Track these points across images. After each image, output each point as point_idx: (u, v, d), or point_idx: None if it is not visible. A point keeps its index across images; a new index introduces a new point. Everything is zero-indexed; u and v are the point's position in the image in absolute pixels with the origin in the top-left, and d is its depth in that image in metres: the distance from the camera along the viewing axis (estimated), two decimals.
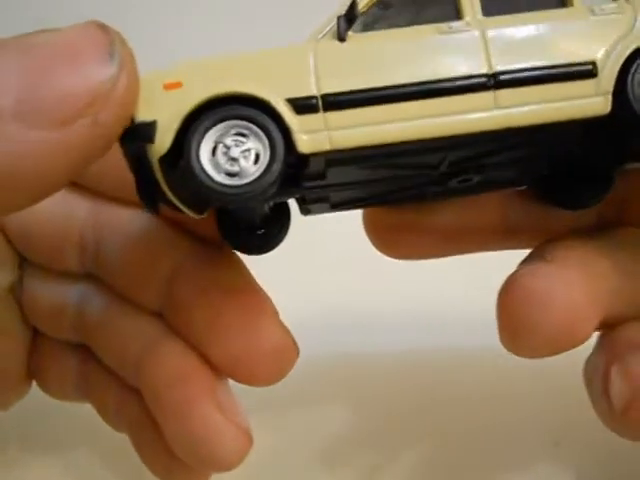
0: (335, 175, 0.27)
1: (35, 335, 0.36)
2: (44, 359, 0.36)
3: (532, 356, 0.31)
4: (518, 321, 0.29)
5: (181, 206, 0.27)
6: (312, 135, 0.25)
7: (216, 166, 0.24)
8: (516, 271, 0.31)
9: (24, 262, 0.34)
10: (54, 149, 0.22)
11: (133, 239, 0.33)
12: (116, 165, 0.26)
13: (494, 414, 0.40)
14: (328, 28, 0.26)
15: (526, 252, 0.33)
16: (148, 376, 0.31)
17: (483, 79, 0.26)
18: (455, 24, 0.26)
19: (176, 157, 0.25)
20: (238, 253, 0.32)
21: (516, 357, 0.40)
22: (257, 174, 0.24)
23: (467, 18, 0.27)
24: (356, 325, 0.44)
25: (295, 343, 0.32)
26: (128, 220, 0.33)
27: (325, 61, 0.26)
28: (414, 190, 0.31)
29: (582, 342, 0.30)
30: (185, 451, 0.31)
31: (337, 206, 0.32)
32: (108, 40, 0.23)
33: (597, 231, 0.32)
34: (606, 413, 0.31)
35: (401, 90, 0.25)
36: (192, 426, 0.31)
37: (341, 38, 0.26)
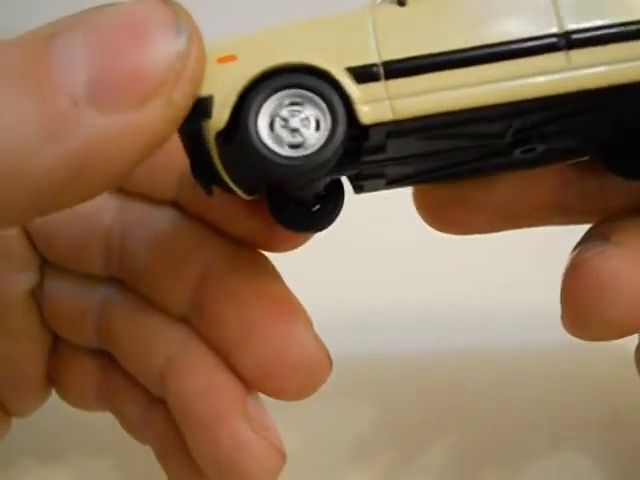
0: (395, 148, 0.26)
1: (55, 340, 0.34)
2: (64, 366, 0.34)
3: (597, 339, 0.30)
4: (587, 304, 0.28)
5: (233, 186, 0.26)
6: (374, 105, 0.24)
7: (277, 140, 0.23)
8: (580, 252, 0.30)
9: (45, 264, 0.33)
10: (130, 132, 0.21)
11: (161, 240, 0.31)
12: (147, 161, 0.25)
13: (494, 414, 0.40)
14: None
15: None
16: (174, 386, 0.30)
17: (554, 39, 0.24)
18: None
19: (232, 133, 0.24)
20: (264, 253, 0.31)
21: (516, 357, 0.40)
22: (322, 141, 0.23)
23: None
24: (371, 324, 0.44)
25: (329, 357, 0.31)
26: (157, 220, 0.31)
27: (385, 27, 0.25)
28: (473, 163, 0.30)
29: None
30: (212, 467, 0.30)
31: (393, 182, 0.31)
32: (173, 14, 0.22)
33: None
34: None
35: (466, 54, 0.24)
36: (220, 441, 0.29)
37: (401, 2, 0.25)
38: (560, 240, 0.31)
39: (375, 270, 0.45)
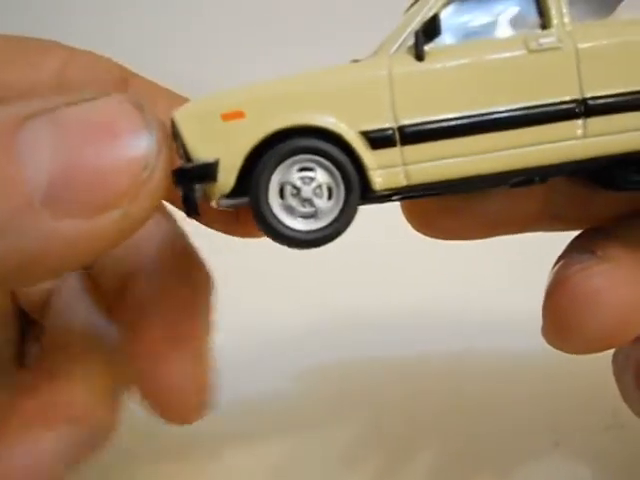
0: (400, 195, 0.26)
1: (27, 322, 0.34)
2: (36, 346, 0.34)
3: (577, 353, 0.30)
4: (568, 320, 0.29)
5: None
6: (387, 171, 0.23)
7: (289, 210, 0.22)
8: (565, 266, 0.30)
9: None
10: (82, 239, 0.21)
11: None
12: None
13: (494, 414, 0.40)
14: (401, 40, 0.24)
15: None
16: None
17: (573, 105, 0.24)
18: (545, 40, 0.24)
19: (237, 191, 0.23)
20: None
21: (516, 357, 0.40)
22: (335, 213, 0.23)
23: (555, 26, 0.24)
24: (366, 329, 0.44)
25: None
26: None
27: (402, 85, 0.23)
28: (469, 188, 0.29)
29: (632, 339, 0.29)
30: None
31: (393, 201, 0.30)
32: (143, 124, 0.21)
33: (638, 220, 0.31)
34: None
35: (486, 119, 0.23)
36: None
37: (419, 56, 0.23)
38: (556, 245, 0.31)
39: (368, 275, 0.45)
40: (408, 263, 0.37)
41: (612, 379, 0.33)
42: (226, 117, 0.23)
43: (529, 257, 0.41)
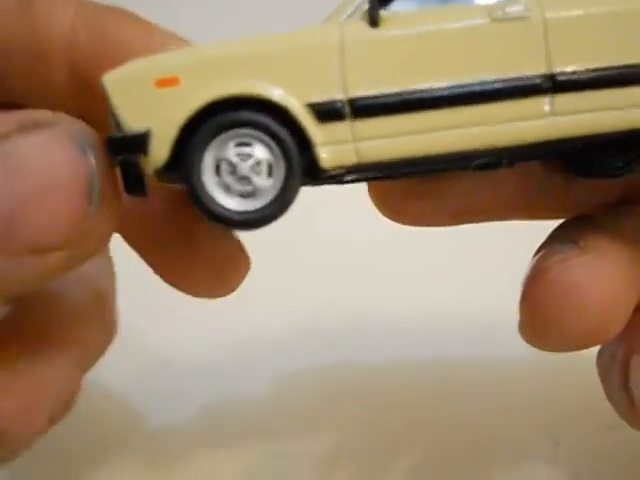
0: (352, 175, 0.24)
1: None
2: None
3: (555, 351, 0.29)
4: (547, 315, 0.27)
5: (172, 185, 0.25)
6: (336, 147, 0.21)
7: (226, 189, 0.21)
8: (544, 257, 0.28)
9: None
10: (28, 273, 0.22)
11: None
12: None
13: (494, 414, 0.40)
14: (355, 5, 0.22)
15: None
16: None
17: (539, 81, 0.22)
18: (511, 9, 0.22)
19: (173, 165, 0.22)
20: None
21: (515, 358, 0.40)
22: (275, 192, 0.21)
23: None
24: (362, 331, 0.43)
25: None
26: None
27: (354, 54, 0.21)
28: (433, 171, 0.28)
29: (614, 336, 0.28)
30: None
31: (346, 183, 0.28)
32: (88, 171, 0.22)
33: (623, 209, 0.30)
34: (625, 407, 0.29)
35: (444, 93, 0.21)
36: None
37: (374, 22, 0.21)
38: None
39: (363, 276, 0.45)
40: (404, 265, 0.37)
41: None
42: (159, 83, 0.21)
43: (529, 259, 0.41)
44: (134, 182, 0.23)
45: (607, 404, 0.37)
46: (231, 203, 0.21)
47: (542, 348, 0.28)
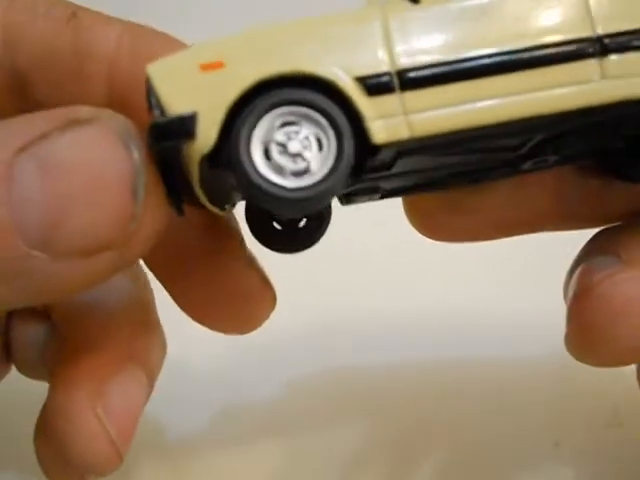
0: (403, 163, 0.23)
1: (9, 314, 0.34)
2: (17, 333, 0.34)
3: (604, 366, 0.28)
4: (598, 332, 0.26)
5: (208, 205, 0.24)
6: (387, 121, 0.21)
7: (279, 170, 0.20)
8: (588, 272, 0.28)
9: None
10: (78, 276, 0.21)
11: None
12: None
13: (494, 414, 0.40)
14: None
15: None
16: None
17: (586, 44, 0.21)
18: None
19: (220, 155, 0.21)
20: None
21: (515, 358, 0.40)
22: (329, 163, 0.20)
23: None
24: (369, 332, 0.43)
25: None
26: None
27: (397, 28, 0.21)
28: (475, 174, 0.27)
29: None
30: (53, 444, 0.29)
31: (387, 195, 0.28)
32: (132, 170, 0.21)
33: None
34: None
35: (492, 60, 0.21)
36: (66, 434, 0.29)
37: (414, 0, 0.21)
38: (562, 248, 0.30)
39: (366, 278, 0.45)
40: (405, 266, 0.37)
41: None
42: (204, 67, 0.21)
43: (531, 261, 0.41)
44: (173, 195, 0.23)
45: (607, 404, 0.38)
46: (286, 182, 0.20)
47: (592, 364, 0.28)
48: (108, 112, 0.22)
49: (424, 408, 0.40)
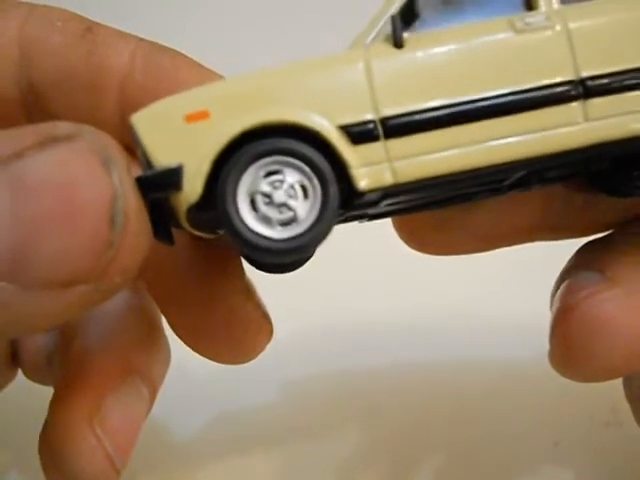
0: (389, 200, 0.24)
1: None
2: (24, 339, 0.34)
3: (586, 381, 0.29)
4: (579, 348, 0.27)
5: (197, 233, 0.24)
6: (371, 169, 0.21)
7: (266, 221, 0.20)
8: (572, 289, 0.28)
9: None
10: (50, 309, 0.20)
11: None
12: None
13: (494, 414, 0.40)
14: (377, 30, 0.22)
15: None
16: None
17: (569, 87, 0.21)
18: (532, 19, 0.22)
19: (205, 202, 0.21)
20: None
21: (515, 358, 0.40)
22: (315, 212, 0.20)
23: (542, 6, 0.22)
24: (364, 336, 0.43)
25: None
26: None
27: (381, 75, 0.21)
28: (462, 198, 0.27)
29: None
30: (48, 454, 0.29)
31: (374, 218, 0.28)
32: (111, 194, 0.19)
33: None
34: None
35: (476, 106, 0.21)
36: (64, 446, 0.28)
37: (398, 43, 0.21)
38: (559, 251, 0.30)
39: (363, 282, 0.45)
40: (402, 268, 0.37)
41: None
42: (189, 118, 0.21)
43: (529, 262, 0.41)
44: (160, 225, 0.22)
45: (607, 404, 0.38)
46: (274, 233, 0.20)
47: (573, 379, 0.28)
48: (89, 129, 0.20)
49: (422, 409, 0.40)
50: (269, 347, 0.39)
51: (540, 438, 0.39)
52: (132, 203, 0.20)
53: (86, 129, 0.20)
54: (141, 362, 0.30)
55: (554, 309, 0.28)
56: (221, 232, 0.26)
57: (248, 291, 0.29)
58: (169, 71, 0.26)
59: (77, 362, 0.30)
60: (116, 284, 0.20)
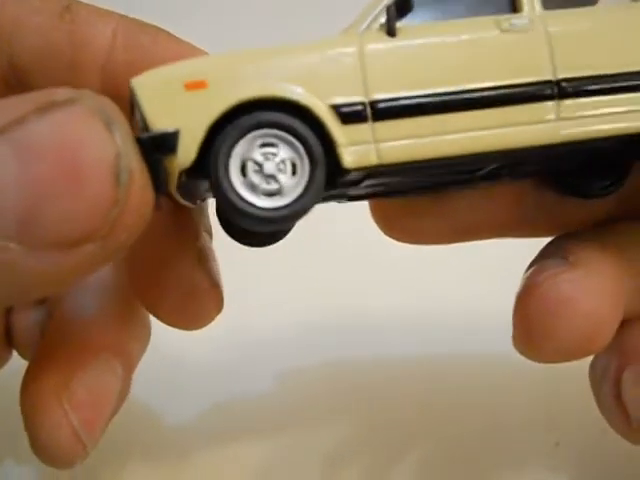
0: (371, 180, 0.25)
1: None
2: (17, 317, 0.34)
3: (546, 362, 0.30)
4: (538, 328, 0.28)
5: (181, 200, 0.25)
6: (358, 148, 0.22)
7: (252, 188, 0.21)
8: (535, 272, 0.29)
9: None
10: (59, 270, 0.20)
11: None
12: None
13: (494, 414, 0.40)
14: (371, 18, 0.23)
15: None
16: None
17: (546, 87, 0.23)
18: (517, 21, 0.24)
19: (197, 168, 0.22)
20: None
21: (516, 358, 0.40)
22: (300, 189, 0.22)
23: (526, 10, 0.24)
24: (358, 327, 0.43)
25: None
26: None
27: (373, 61, 0.22)
28: (439, 186, 0.29)
29: (602, 349, 0.29)
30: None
31: (354, 199, 0.30)
32: (114, 153, 0.20)
33: (612, 225, 0.31)
34: (618, 421, 0.30)
35: (459, 97, 0.23)
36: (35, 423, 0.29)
37: (391, 32, 0.23)
38: None
39: (358, 275, 0.45)
40: (401, 261, 0.37)
41: None
42: (188, 86, 0.22)
43: (526, 258, 0.41)
44: (159, 182, 0.23)
45: None
46: (257, 201, 0.21)
47: (534, 359, 0.29)
48: (88, 93, 0.21)
49: (419, 405, 0.40)
50: (264, 338, 0.40)
51: (540, 438, 0.39)
52: (135, 161, 0.21)
53: (85, 93, 0.21)
54: (117, 339, 0.30)
55: (517, 291, 0.29)
56: (200, 202, 0.27)
57: (200, 258, 0.30)
58: (150, 48, 0.26)
59: (52, 336, 0.30)
60: (122, 242, 0.21)
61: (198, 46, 0.28)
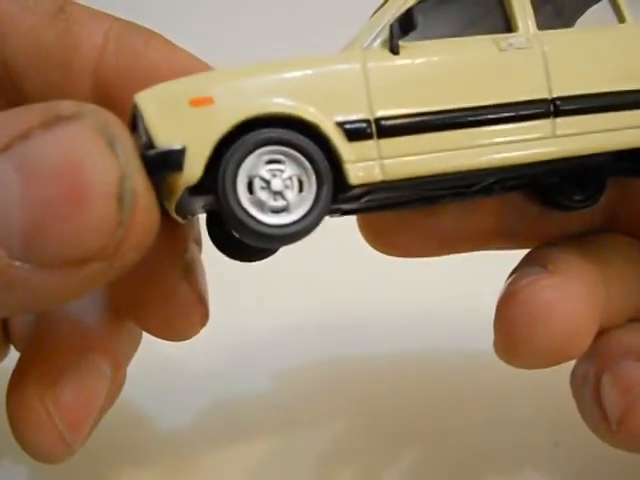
0: (370, 196, 0.25)
1: None
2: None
3: (526, 367, 0.30)
4: (518, 333, 0.28)
5: (174, 215, 0.24)
6: (363, 165, 0.22)
7: (259, 205, 0.21)
8: (516, 280, 0.30)
9: None
10: (65, 287, 0.20)
11: None
12: None
13: (494, 414, 0.40)
14: (375, 34, 0.24)
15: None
16: None
17: (542, 105, 0.24)
18: (514, 40, 0.24)
19: (202, 185, 0.22)
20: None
21: None
22: (307, 206, 0.22)
23: (521, 29, 0.25)
24: (353, 327, 0.44)
25: None
26: None
27: (377, 78, 0.23)
28: (429, 200, 0.30)
29: (580, 354, 0.30)
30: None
31: (346, 213, 0.30)
32: (118, 170, 0.20)
33: (591, 237, 0.32)
34: (599, 424, 0.31)
35: (461, 114, 0.23)
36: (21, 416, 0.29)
37: (394, 50, 0.23)
38: None
39: (356, 276, 0.45)
40: (398, 261, 0.37)
41: None
42: (194, 102, 0.21)
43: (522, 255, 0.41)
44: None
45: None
46: (265, 218, 0.21)
47: (515, 365, 0.30)
48: (92, 107, 0.21)
49: (419, 404, 0.40)
50: (263, 338, 0.40)
51: (541, 438, 0.39)
52: (140, 182, 0.20)
53: (89, 107, 0.21)
54: (104, 339, 0.30)
55: (498, 297, 0.30)
56: (191, 218, 0.27)
57: (187, 273, 0.29)
58: (142, 51, 0.26)
59: (40, 336, 0.30)
60: (129, 259, 0.21)
61: (193, 50, 0.28)
